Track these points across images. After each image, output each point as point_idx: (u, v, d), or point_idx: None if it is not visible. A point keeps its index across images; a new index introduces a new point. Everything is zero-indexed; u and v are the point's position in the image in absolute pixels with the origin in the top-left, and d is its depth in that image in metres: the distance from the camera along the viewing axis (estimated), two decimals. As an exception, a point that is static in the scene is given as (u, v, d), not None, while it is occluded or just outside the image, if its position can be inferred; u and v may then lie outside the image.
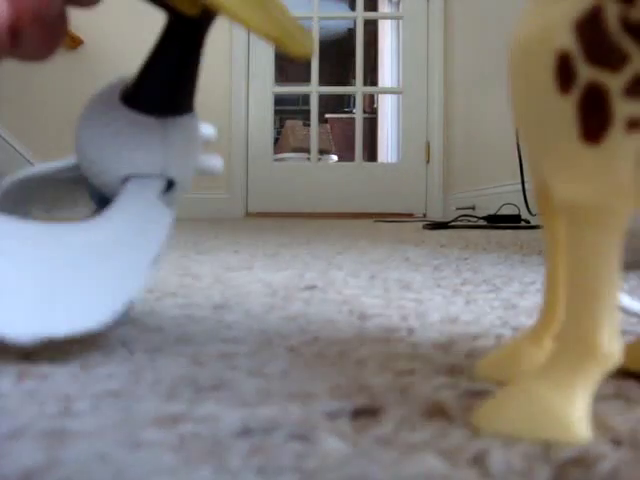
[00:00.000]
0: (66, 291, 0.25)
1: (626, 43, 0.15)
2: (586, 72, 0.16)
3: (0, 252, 0.25)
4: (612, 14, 0.15)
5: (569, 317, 0.17)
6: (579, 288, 0.17)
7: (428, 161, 2.64)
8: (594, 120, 0.16)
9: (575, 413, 0.17)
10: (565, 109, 0.16)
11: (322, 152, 3.10)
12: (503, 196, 1.90)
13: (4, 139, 2.43)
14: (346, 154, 3.30)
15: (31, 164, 2.37)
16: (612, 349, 0.17)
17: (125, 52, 2.36)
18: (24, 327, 0.22)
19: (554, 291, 0.22)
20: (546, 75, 0.16)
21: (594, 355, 0.17)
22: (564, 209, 0.17)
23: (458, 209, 2.31)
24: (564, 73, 0.16)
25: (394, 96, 3.09)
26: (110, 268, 0.26)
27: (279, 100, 2.80)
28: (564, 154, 0.17)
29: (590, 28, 0.16)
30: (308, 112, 2.76)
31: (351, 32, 2.82)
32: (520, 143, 1.66)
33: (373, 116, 3.96)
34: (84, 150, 0.30)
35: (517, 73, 0.18)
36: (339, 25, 2.97)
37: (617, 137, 0.16)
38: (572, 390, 0.17)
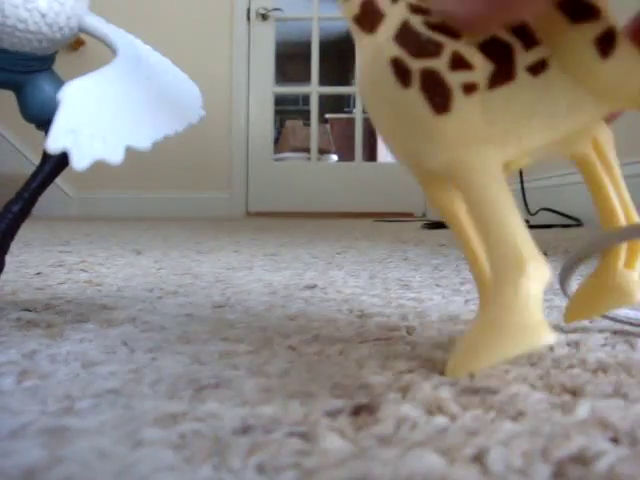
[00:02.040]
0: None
1: (436, 36, 0.20)
2: (416, 64, 0.20)
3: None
4: (417, 22, 0.21)
5: (490, 255, 0.20)
6: (486, 226, 0.20)
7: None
8: (439, 96, 0.20)
9: (533, 320, 0.19)
10: (412, 98, 0.21)
11: (322, 152, 3.10)
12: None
13: (5, 138, 2.43)
14: (346, 154, 3.30)
15: (32, 163, 2.37)
16: (537, 259, 0.19)
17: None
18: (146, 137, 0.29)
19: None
20: (389, 79, 0.21)
21: (523, 268, 0.19)
22: (446, 174, 0.21)
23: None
24: (400, 72, 0.21)
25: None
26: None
27: (279, 100, 2.80)
28: (425, 132, 0.21)
29: (405, 35, 0.21)
30: (308, 112, 2.76)
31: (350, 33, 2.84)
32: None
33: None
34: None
35: (368, 88, 0.22)
36: (339, 26, 2.98)
37: (461, 100, 0.20)
38: (521, 304, 0.19)
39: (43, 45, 0.31)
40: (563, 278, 0.28)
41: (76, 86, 0.28)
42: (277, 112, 2.78)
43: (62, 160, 0.33)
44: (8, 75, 0.31)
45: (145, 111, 0.30)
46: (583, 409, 0.19)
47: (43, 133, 0.34)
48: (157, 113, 0.31)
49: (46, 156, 0.33)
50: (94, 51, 2.56)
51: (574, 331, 0.30)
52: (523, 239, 0.19)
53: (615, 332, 0.29)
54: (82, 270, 0.58)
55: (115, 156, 0.27)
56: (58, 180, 2.11)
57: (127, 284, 0.48)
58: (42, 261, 0.65)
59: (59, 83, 0.33)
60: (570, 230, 1.43)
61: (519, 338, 0.19)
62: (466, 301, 0.40)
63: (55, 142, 0.26)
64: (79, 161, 0.26)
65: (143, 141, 0.28)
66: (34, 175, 0.33)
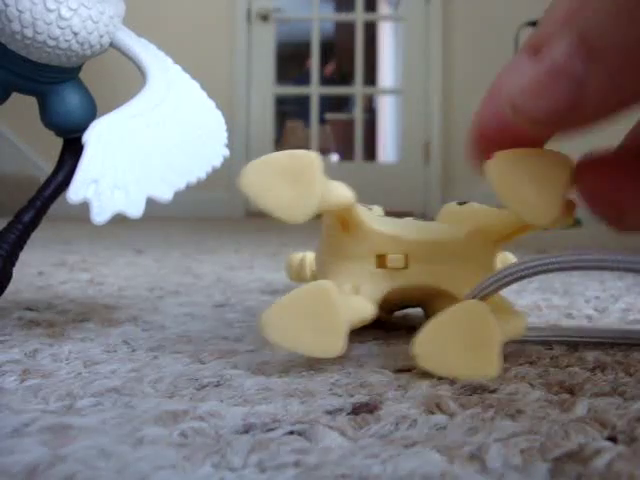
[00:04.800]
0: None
1: None
2: None
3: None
4: None
5: None
6: None
7: (427, 161, 2.64)
8: None
9: None
10: None
11: (323, 152, 3.10)
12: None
13: (10, 139, 2.42)
14: (346, 154, 3.30)
15: (34, 163, 2.37)
16: None
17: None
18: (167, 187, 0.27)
19: None
20: None
21: None
22: None
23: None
24: None
25: (393, 96, 3.09)
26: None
27: (280, 100, 2.80)
28: None
29: None
30: (308, 112, 2.76)
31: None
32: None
33: (372, 116, 3.96)
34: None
35: None
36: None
37: None
38: None
39: (72, 60, 0.30)
40: None
41: (103, 126, 0.27)
42: (277, 112, 2.78)
43: (76, 168, 0.32)
44: (33, 84, 0.30)
45: (170, 154, 0.28)
46: (581, 407, 0.19)
47: (50, 135, 0.33)
48: (182, 156, 0.29)
49: (60, 163, 0.32)
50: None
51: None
52: None
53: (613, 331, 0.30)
54: (83, 269, 0.58)
55: (135, 209, 0.26)
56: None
57: (128, 283, 0.48)
58: (44, 260, 0.65)
59: (84, 92, 0.32)
60: (570, 229, 1.43)
61: None
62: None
63: (76, 193, 0.25)
64: (99, 214, 0.25)
65: (165, 191, 0.27)
66: (47, 183, 0.31)
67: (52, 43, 0.28)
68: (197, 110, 0.31)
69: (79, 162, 0.26)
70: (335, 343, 0.22)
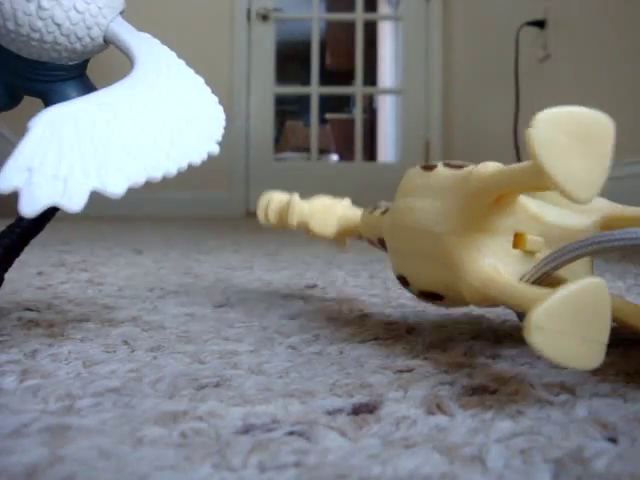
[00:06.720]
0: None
1: None
2: None
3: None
4: None
5: None
6: None
7: (427, 161, 2.64)
8: None
9: None
10: None
11: (322, 152, 3.10)
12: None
13: (10, 140, 2.42)
14: (346, 154, 3.30)
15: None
16: None
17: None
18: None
19: None
20: None
21: None
22: None
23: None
24: None
25: (393, 96, 3.09)
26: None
27: (279, 100, 2.80)
28: None
29: None
30: (308, 112, 2.76)
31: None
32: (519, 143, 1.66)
33: (372, 116, 3.96)
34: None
35: None
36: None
37: None
38: None
39: (63, 55, 0.28)
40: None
41: (53, 114, 0.25)
42: (277, 112, 2.77)
43: None
44: (34, 84, 0.29)
45: (136, 147, 0.26)
46: (581, 408, 0.19)
47: None
48: (152, 150, 0.26)
49: None
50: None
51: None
52: None
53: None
54: (83, 270, 0.58)
55: (74, 202, 0.23)
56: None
57: (128, 284, 0.48)
58: (43, 261, 0.65)
59: (88, 91, 0.30)
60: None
61: None
62: (466, 301, 0.40)
63: (6, 180, 0.22)
64: (28, 205, 0.22)
65: (117, 185, 0.24)
66: None
67: (36, 36, 0.27)
68: (190, 103, 0.29)
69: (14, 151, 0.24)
70: (599, 353, 0.19)
